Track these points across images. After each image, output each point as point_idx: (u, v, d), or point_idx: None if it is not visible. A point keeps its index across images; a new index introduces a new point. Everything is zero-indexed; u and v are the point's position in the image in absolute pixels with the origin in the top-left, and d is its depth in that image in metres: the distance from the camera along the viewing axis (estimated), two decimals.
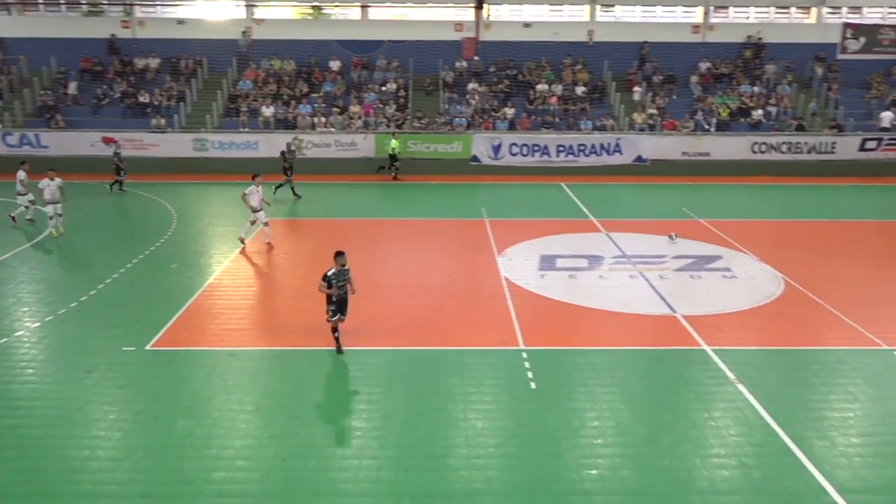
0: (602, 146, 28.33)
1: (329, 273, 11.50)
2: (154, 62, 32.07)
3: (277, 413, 10.09)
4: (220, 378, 11.12)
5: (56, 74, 31.81)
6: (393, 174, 27.02)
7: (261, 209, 17.73)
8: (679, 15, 34.29)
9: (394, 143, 26.81)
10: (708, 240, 18.98)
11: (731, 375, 11.13)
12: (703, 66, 32.90)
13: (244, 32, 32.83)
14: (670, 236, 18.80)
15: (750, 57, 33.17)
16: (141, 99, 30.15)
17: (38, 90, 30.60)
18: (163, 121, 28.76)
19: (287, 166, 23.56)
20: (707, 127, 29.70)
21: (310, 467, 8.75)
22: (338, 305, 11.68)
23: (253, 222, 17.84)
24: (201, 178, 26.43)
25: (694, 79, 32.51)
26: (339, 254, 11.66)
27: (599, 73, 33.07)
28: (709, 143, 28.66)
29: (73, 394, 10.53)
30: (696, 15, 33.99)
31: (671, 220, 21.08)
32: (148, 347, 12.06)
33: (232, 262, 16.91)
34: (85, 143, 27.49)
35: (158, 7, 33.46)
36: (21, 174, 19.51)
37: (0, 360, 11.62)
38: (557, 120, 30.23)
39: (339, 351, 11.77)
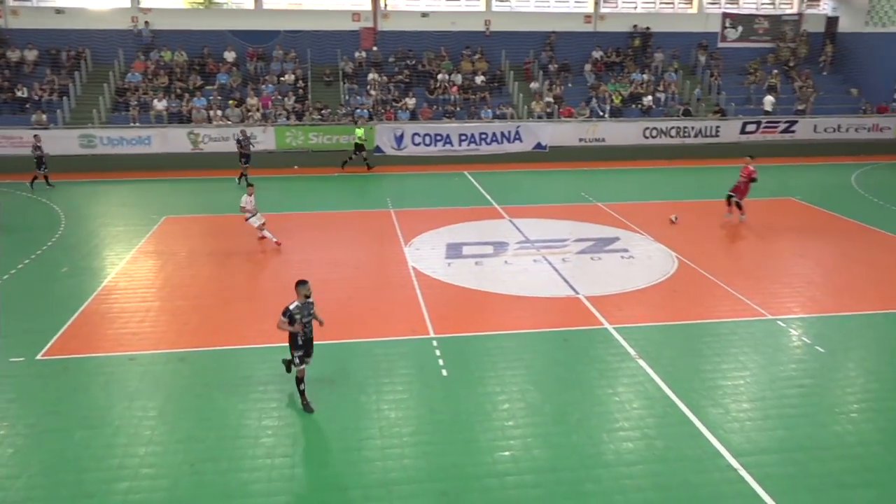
0: (503, 134, 28.84)
1: (291, 307, 9.71)
2: (31, 54, 29.94)
3: (184, 417, 9.77)
4: (119, 385, 10.63)
5: None
6: (366, 165, 26.49)
7: (256, 213, 17.42)
8: (571, 5, 35.27)
9: (359, 131, 26.14)
10: (606, 222, 19.72)
11: (631, 352, 11.66)
12: (596, 54, 34.02)
13: (134, 20, 31.12)
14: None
15: (639, 46, 34.57)
16: (18, 94, 28.12)
17: None
18: (44, 116, 26.93)
19: (244, 153, 24.14)
20: (601, 114, 30.79)
21: (221, 469, 8.55)
22: (304, 346, 9.93)
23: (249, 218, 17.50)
24: (90, 177, 24.99)
25: (588, 67, 33.59)
26: (301, 283, 9.88)
27: (497, 63, 33.60)
28: (604, 129, 29.73)
29: None
30: (588, 5, 35.07)
31: (571, 205, 21.76)
32: (39, 357, 11.36)
33: (128, 264, 16.14)
34: None
35: None
36: None
37: None
38: (458, 109, 30.54)
39: (309, 409, 9.86)
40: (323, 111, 28.92)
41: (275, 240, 17.38)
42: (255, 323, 12.74)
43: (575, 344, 12.07)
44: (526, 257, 16.64)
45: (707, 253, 17.01)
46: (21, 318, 12.96)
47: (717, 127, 30.40)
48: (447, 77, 31.87)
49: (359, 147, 26.32)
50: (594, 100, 31.39)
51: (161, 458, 8.77)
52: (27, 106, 27.71)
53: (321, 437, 9.28)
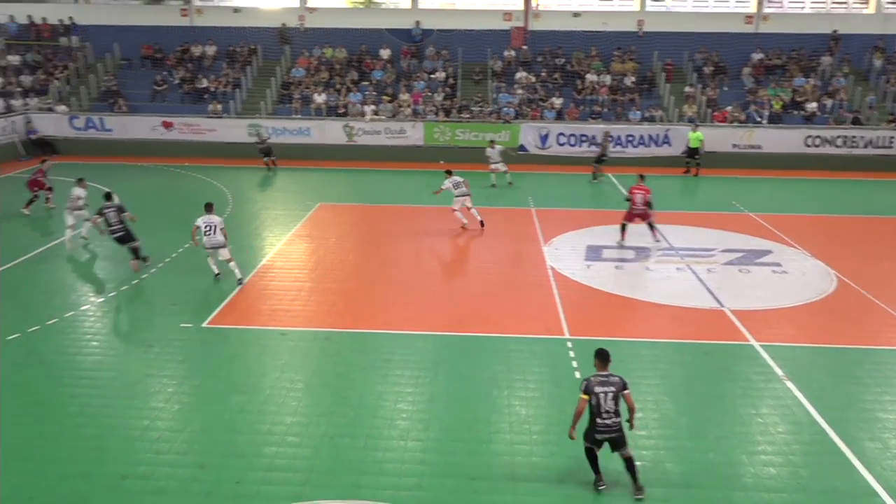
0: (651, 137, 28.00)
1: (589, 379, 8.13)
2: (211, 49, 32.79)
3: (327, 392, 10.39)
4: (272, 356, 11.49)
5: (119, 61, 32.79)
6: (695, 168, 26.58)
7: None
8: (732, 5, 33.53)
9: (695, 135, 26.43)
10: (758, 234, 18.68)
11: (779, 372, 11.02)
12: (756, 56, 32.15)
13: (301, 18, 33.17)
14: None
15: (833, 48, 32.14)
16: (199, 85, 30.89)
17: (103, 76, 31.58)
18: (219, 106, 29.48)
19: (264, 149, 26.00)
20: (759, 119, 29.07)
21: (357, 446, 9.00)
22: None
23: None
24: (256, 163, 27.04)
25: (746, 70, 31.81)
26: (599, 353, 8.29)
27: (649, 64, 32.61)
28: (760, 136, 28.06)
29: (134, 367, 11.02)
30: (750, 5, 33.18)
31: (720, 213, 20.80)
32: (204, 325, 12.52)
33: (284, 245, 17.32)
34: (146, 126, 28.37)
35: None
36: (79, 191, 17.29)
37: (66, 333, 12.23)
38: (606, 110, 29.98)
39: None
40: (474, 107, 29.38)
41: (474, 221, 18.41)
42: (396, 309, 13.28)
43: (717, 358, 11.58)
44: (669, 265, 16.13)
45: (872, 274, 15.64)
46: (191, 288, 14.32)
47: (892, 138, 27.77)
48: (596, 77, 31.36)
49: (693, 151, 26.44)
50: (751, 104, 29.69)
51: (305, 429, 9.37)
52: (205, 96, 30.40)
53: (452, 426, 9.49)
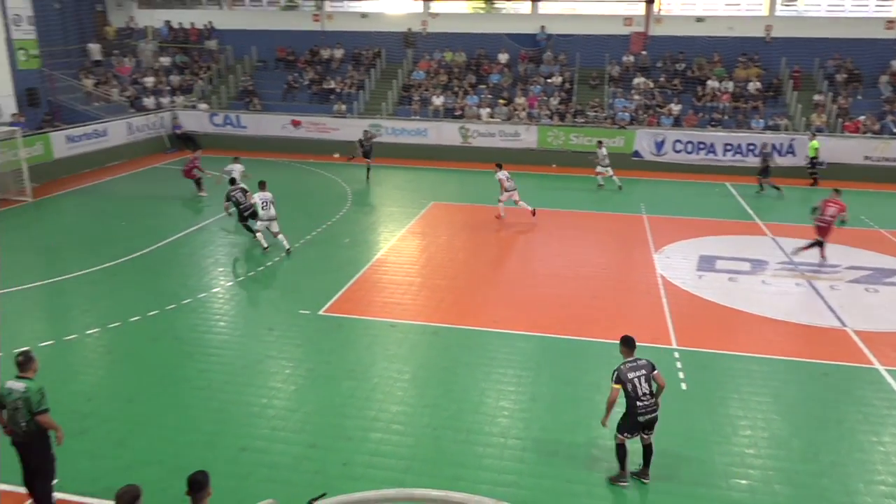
0: (773, 146, 26.67)
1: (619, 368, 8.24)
2: (339, 52, 34.31)
3: (432, 385, 10.72)
4: (381, 347, 11.98)
5: (256, 62, 34.96)
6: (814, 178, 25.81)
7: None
8: (871, 9, 31.34)
9: (814, 143, 25.79)
10: (889, 251, 17.50)
11: None
12: None
13: (424, 23, 34.11)
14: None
15: None
16: (326, 86, 32.39)
17: (241, 76, 33.77)
18: (343, 107, 30.83)
19: (364, 152, 25.08)
20: (895, 130, 27.08)
21: (459, 439, 9.24)
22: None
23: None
24: (375, 161, 28.04)
25: (884, 78, 29.68)
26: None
27: (776, 71, 31.09)
28: (895, 148, 26.11)
29: (256, 347, 11.82)
30: (892, 9, 30.90)
31: (847, 228, 19.56)
32: (321, 312, 13.19)
33: (398, 241, 17.92)
34: (277, 124, 30.15)
35: (346, 2, 35.66)
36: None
37: (199, 312, 13.27)
38: (726, 118, 28.87)
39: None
40: (589, 112, 29.15)
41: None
42: (502, 309, 13.48)
43: (836, 380, 11.01)
44: (787, 279, 15.42)
45: None
46: (311, 277, 15.16)
47: None
48: (718, 84, 30.26)
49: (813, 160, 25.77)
50: (888, 115, 27.69)
51: (409, 418, 9.73)
52: (331, 97, 31.86)
53: (553, 428, 9.57)
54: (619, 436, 8.35)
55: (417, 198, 22.46)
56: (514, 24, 33.91)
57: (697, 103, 29.73)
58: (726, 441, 9.29)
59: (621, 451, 8.41)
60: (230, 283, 14.78)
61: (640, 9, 32.30)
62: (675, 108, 29.30)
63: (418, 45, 34.19)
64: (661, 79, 31.12)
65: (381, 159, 28.30)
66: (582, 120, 29.08)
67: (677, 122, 28.85)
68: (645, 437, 8.36)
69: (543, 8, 34.00)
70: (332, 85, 32.34)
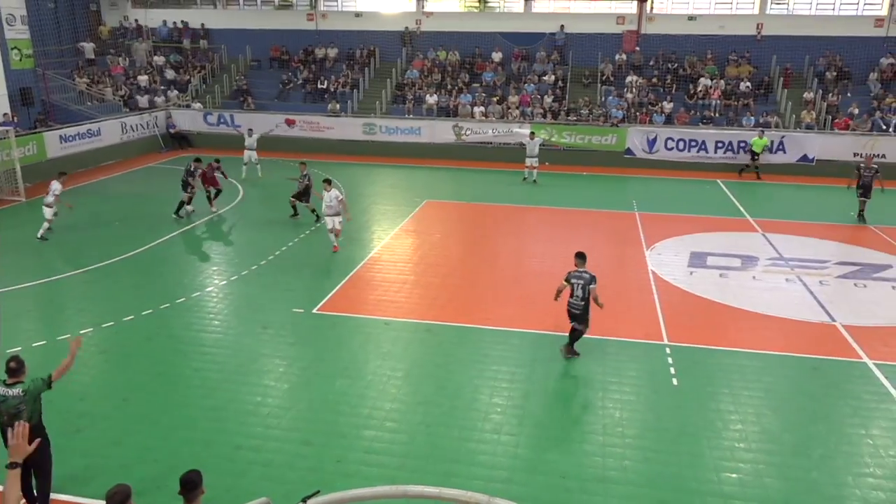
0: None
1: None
2: (332, 52, 34.33)
3: (425, 382, 10.76)
4: (375, 344, 12.04)
5: (250, 62, 34.94)
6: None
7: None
8: (861, 8, 31.51)
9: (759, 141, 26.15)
10: (878, 247, 17.64)
11: (894, 393, 10.47)
12: (886, 61, 30.12)
13: (418, 22, 34.18)
14: None
15: None
16: (320, 85, 32.42)
17: (235, 75, 33.75)
18: (338, 106, 30.90)
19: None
20: (885, 127, 27.26)
21: (452, 435, 9.29)
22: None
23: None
24: (369, 160, 28.16)
25: (873, 76, 29.88)
26: (578, 254, 11.52)
27: (766, 69, 31.26)
28: (885, 145, 26.27)
29: (250, 346, 11.85)
30: (881, 7, 31.08)
31: (837, 224, 19.77)
32: (315, 311, 13.23)
33: (391, 239, 17.97)
34: (271, 123, 30.11)
35: (340, 1, 35.67)
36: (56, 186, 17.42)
37: (193, 311, 13.29)
38: (718, 115, 29.03)
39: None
40: (582, 110, 29.24)
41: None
42: (495, 306, 13.55)
43: (825, 374, 11.12)
44: (778, 275, 15.54)
45: None
46: (304, 275, 15.20)
47: None
48: (710, 82, 30.40)
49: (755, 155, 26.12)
50: (877, 112, 27.89)
51: (402, 416, 9.79)
52: (325, 96, 31.88)
53: (546, 424, 9.65)
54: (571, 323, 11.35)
55: (411, 196, 22.50)
56: (508, 22, 33.98)
57: (689, 101, 29.89)
58: (717, 436, 9.37)
59: (572, 334, 11.43)
60: (224, 282, 14.80)
61: (632, 7, 32.44)
62: (668, 105, 29.45)
63: (412, 44, 34.24)
64: (654, 77, 31.24)
65: (375, 157, 28.38)
66: (574, 118, 29.18)
67: (669, 120, 28.99)
68: (575, 325, 11.33)
69: (537, 7, 34.10)
70: (326, 84, 32.35)
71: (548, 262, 16.21)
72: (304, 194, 19.09)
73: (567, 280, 11.24)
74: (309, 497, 5.50)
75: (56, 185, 17.42)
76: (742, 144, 26.94)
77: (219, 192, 20.28)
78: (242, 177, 23.64)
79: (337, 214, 16.55)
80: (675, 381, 10.73)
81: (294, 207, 19.35)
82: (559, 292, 11.33)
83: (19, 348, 9.84)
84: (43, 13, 30.71)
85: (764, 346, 12.02)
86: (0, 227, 18.52)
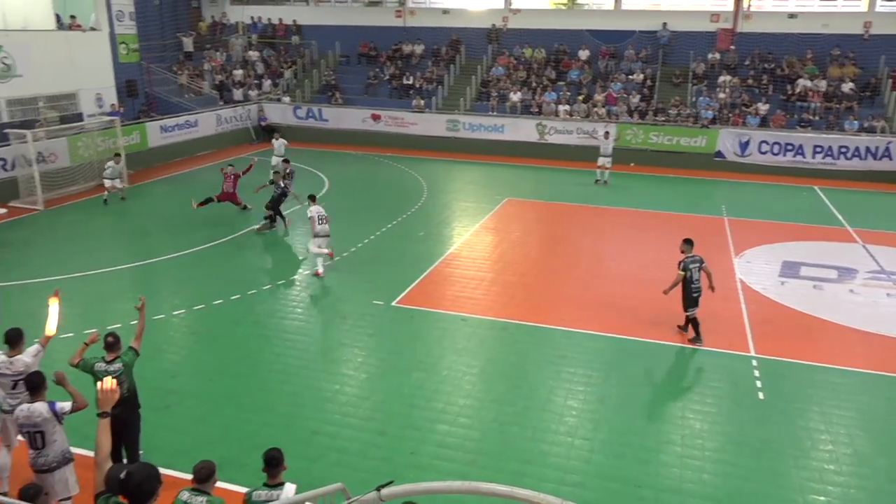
0: (868, 149, 25.36)
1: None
2: (419, 48, 34.66)
3: (499, 380, 10.76)
4: (451, 340, 12.11)
5: (339, 58, 35.75)
6: None
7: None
8: None
9: None
10: None
11: None
12: None
13: (504, 19, 34.08)
14: None
15: None
16: (406, 81, 32.80)
17: (324, 71, 34.61)
18: (422, 102, 31.16)
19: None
20: None
21: (525, 436, 9.26)
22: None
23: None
24: (451, 156, 28.28)
25: None
26: (686, 241, 12.23)
27: (873, 70, 29.45)
28: None
29: (330, 335, 12.17)
30: None
31: None
32: (393, 304, 13.44)
33: (471, 236, 18.01)
34: (357, 118, 30.82)
35: None
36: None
37: (278, 299, 13.76)
38: (817, 118, 27.59)
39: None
40: (670, 110, 28.43)
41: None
42: (573, 308, 13.38)
43: None
44: (878, 289, 14.67)
45: None
46: (385, 268, 15.42)
47: None
48: (809, 83, 28.93)
49: None
50: None
51: (476, 412, 9.81)
52: (410, 92, 32.23)
53: (621, 430, 9.45)
54: (688, 312, 11.89)
55: (492, 194, 22.46)
56: (597, 20, 33.36)
57: (786, 102, 28.54)
58: (804, 455, 8.96)
59: (694, 322, 11.88)
60: (307, 272, 15.19)
61: (728, 4, 31.24)
62: (763, 107, 28.21)
63: (498, 40, 34.16)
64: (749, 77, 30.01)
65: (457, 154, 28.49)
66: (663, 118, 28.40)
67: (764, 122, 27.78)
68: (693, 313, 11.85)
69: (627, 4, 33.34)
70: (412, 80, 32.72)
71: (628, 265, 15.88)
72: (279, 201, 17.66)
73: (685, 268, 11.69)
74: (383, 486, 5.60)
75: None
76: (843, 149, 25.54)
77: (244, 207, 19.01)
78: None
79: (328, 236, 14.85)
80: (760, 395, 10.32)
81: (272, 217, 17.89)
82: (675, 285, 11.76)
83: (119, 325, 10.41)
84: (148, 10, 32.33)
85: (859, 364, 11.39)
86: (104, 211, 19.65)
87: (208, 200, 18.46)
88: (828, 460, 8.87)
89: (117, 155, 20.99)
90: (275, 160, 22.55)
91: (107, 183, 20.20)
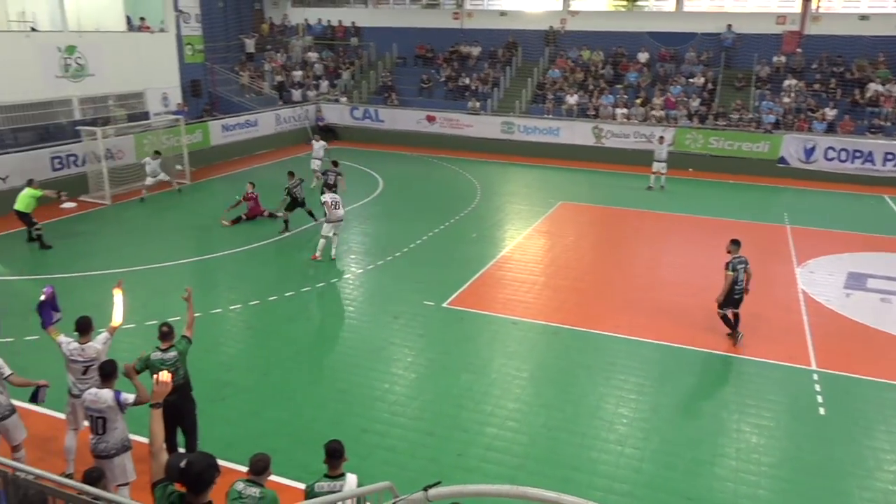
0: None
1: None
2: (476, 50, 34.70)
3: (549, 385, 10.67)
4: (501, 343, 12.07)
5: (396, 59, 36.10)
6: None
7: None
8: None
9: None
10: None
11: None
12: None
13: (562, 21, 33.82)
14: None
15: None
16: (461, 83, 32.88)
17: (381, 72, 35.01)
18: (478, 104, 31.17)
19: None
20: None
21: (574, 442, 9.15)
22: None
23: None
24: (506, 159, 28.18)
25: None
26: (733, 241, 12.16)
27: None
28: None
29: (381, 334, 12.25)
30: None
31: None
32: (444, 305, 13.46)
33: (523, 239, 17.91)
34: (413, 119, 31.03)
35: (485, 0, 36.03)
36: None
37: (331, 296, 13.98)
38: (889, 124, 26.48)
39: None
40: (732, 114, 27.73)
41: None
42: (626, 314, 13.16)
43: None
44: None
45: None
46: (436, 269, 15.48)
47: None
48: (881, 87, 27.79)
49: None
50: None
51: (524, 416, 9.74)
52: (466, 94, 32.29)
53: (674, 441, 9.25)
54: (720, 311, 12.01)
55: (546, 197, 22.29)
56: (657, 22, 32.80)
57: (856, 108, 27.49)
58: (868, 475, 8.60)
59: (726, 320, 12.05)
60: (360, 271, 15.37)
61: (795, 6, 30.28)
62: (830, 112, 27.24)
63: (556, 42, 33.91)
64: (816, 81, 29.02)
65: (512, 157, 28.38)
66: (723, 123, 27.70)
67: (831, 128, 26.82)
68: (736, 311, 11.97)
69: (689, 5, 32.67)
70: (468, 82, 32.75)
71: (684, 271, 15.56)
72: (294, 205, 17.96)
73: (733, 269, 11.68)
74: (430, 487, 5.62)
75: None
76: None
77: (272, 214, 18.87)
78: (311, 186, 21.18)
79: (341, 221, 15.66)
80: (821, 411, 9.96)
81: (286, 222, 18.02)
82: (727, 288, 11.76)
83: (177, 317, 10.70)
84: (213, 12, 33.25)
85: None
86: (167, 206, 20.28)
87: (238, 219, 18.61)
88: (894, 482, 8.51)
89: (157, 153, 21.37)
90: (314, 163, 22.69)
91: (148, 181, 20.59)
